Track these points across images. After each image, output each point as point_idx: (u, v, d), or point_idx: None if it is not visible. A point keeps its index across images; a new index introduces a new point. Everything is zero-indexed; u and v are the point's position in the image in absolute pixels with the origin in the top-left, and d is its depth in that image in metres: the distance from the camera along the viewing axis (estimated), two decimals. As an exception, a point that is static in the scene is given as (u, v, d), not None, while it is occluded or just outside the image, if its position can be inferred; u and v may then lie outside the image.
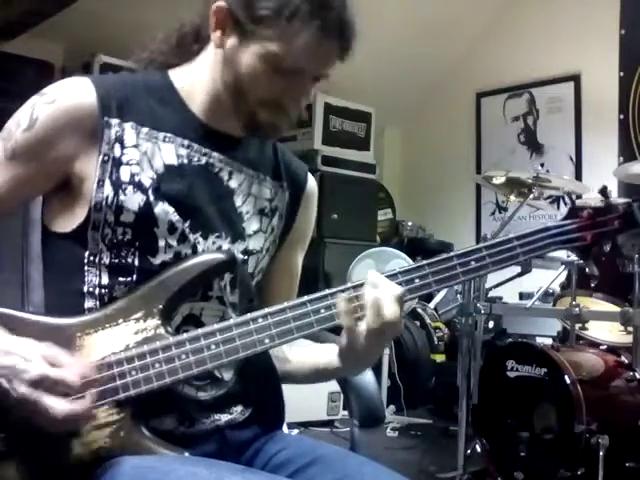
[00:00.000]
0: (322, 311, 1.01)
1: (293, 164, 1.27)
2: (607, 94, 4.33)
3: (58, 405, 0.92)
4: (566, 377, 2.44)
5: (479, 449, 2.74)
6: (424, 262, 1.03)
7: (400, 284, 1.01)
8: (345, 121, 4.86)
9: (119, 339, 1.01)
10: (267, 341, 1.00)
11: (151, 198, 1.05)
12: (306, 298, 1.02)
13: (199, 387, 1.08)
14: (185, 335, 1.00)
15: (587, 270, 2.74)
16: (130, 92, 1.10)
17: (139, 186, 1.05)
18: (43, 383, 0.92)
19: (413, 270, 1.02)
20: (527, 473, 2.52)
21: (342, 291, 1.01)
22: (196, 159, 1.11)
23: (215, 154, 1.13)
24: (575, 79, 4.85)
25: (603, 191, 1.10)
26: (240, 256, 1.12)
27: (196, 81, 1.13)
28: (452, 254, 1.04)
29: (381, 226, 5.28)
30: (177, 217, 1.07)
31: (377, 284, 0.99)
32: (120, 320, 1.01)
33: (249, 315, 1.01)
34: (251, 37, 1.05)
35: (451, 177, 5.40)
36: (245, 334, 1.00)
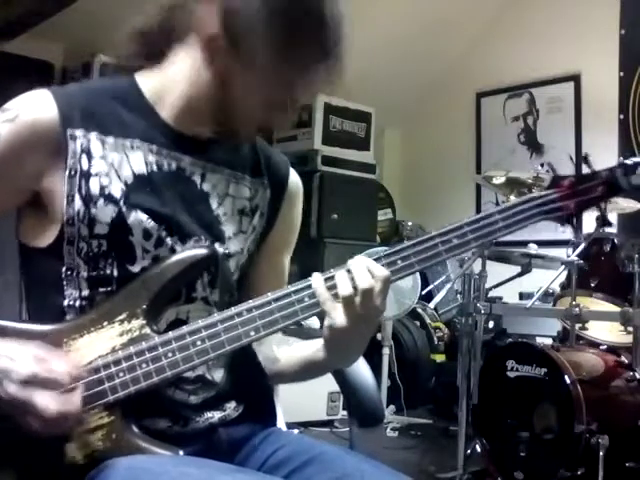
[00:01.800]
0: (306, 299, 1.00)
1: (273, 158, 1.23)
2: (607, 94, 4.32)
3: (48, 403, 0.91)
4: (566, 377, 2.44)
5: (479, 449, 2.74)
6: (406, 244, 1.02)
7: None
8: (345, 121, 4.86)
9: (105, 342, 1.00)
10: (252, 333, 0.99)
11: (123, 209, 1.03)
12: (290, 288, 1.01)
13: (191, 391, 1.07)
14: (171, 334, 0.99)
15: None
16: (94, 100, 1.07)
17: (110, 198, 1.03)
18: (32, 382, 0.91)
19: (395, 252, 1.01)
20: (527, 473, 2.52)
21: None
22: (166, 165, 1.08)
23: (186, 157, 1.10)
24: (575, 79, 4.85)
25: (585, 158, 1.08)
26: (221, 250, 1.10)
27: (168, 84, 1.10)
28: (434, 233, 1.02)
29: (381, 226, 5.28)
30: (152, 224, 1.05)
31: (350, 263, 0.99)
32: (105, 323, 1.00)
33: (234, 309, 1.00)
34: (243, 62, 1.02)
35: (451, 177, 5.39)
36: (230, 328, 0.99)
